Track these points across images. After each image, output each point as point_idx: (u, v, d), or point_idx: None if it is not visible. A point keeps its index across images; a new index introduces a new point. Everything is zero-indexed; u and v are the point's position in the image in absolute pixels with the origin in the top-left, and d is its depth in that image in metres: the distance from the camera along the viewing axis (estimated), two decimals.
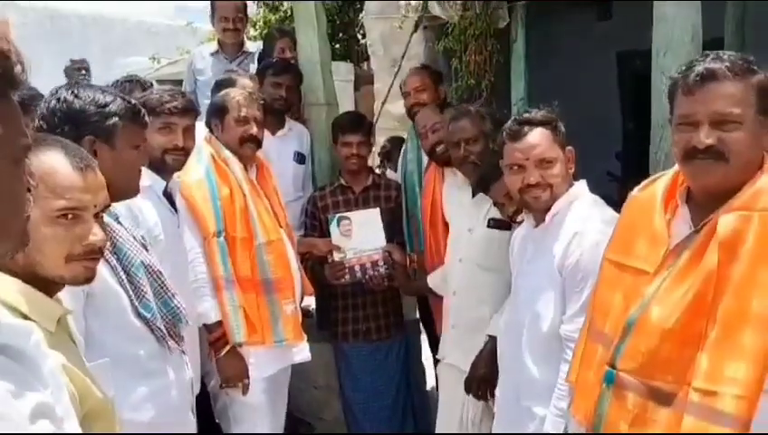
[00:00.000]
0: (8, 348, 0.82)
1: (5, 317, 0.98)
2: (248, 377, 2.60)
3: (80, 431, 0.92)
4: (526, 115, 2.11)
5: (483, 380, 2.48)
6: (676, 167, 1.59)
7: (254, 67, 3.78)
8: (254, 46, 4.24)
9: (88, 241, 1.30)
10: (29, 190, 0.94)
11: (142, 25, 5.25)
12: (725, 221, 1.37)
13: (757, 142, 1.43)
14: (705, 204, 1.46)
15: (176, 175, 2.46)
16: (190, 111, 2.43)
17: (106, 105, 1.78)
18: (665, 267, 1.45)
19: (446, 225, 2.99)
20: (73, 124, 1.75)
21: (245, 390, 2.61)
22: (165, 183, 2.39)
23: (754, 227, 1.34)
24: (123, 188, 1.76)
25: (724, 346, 1.32)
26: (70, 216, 1.29)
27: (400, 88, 3.55)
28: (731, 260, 1.34)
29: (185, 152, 2.41)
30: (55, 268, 1.26)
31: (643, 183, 1.65)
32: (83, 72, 5.77)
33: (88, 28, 5.57)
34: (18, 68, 0.77)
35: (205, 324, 2.57)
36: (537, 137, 2.05)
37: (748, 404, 1.28)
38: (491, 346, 2.41)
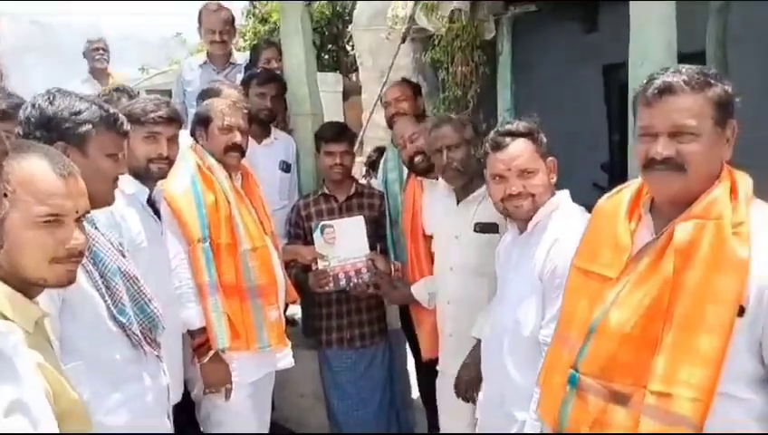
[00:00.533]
0: None
1: None
2: (231, 383, 2.62)
3: (56, 428, 0.95)
4: (508, 126, 2.17)
5: (471, 382, 2.50)
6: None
7: (240, 78, 3.82)
8: (242, 57, 4.28)
9: (69, 245, 1.34)
10: (5, 195, 0.97)
11: (133, 37, 5.24)
12: (681, 229, 1.41)
13: (715, 153, 1.47)
14: (666, 212, 1.50)
15: (159, 183, 2.48)
16: (174, 120, 2.45)
17: (79, 112, 1.79)
18: (626, 274, 1.49)
19: (425, 237, 3.03)
20: (45, 130, 1.77)
21: (228, 395, 2.62)
22: (149, 191, 2.41)
23: (709, 236, 1.38)
24: (95, 196, 1.75)
25: (679, 350, 1.36)
26: (52, 221, 1.32)
27: (380, 99, 3.61)
28: (686, 267, 1.38)
29: (169, 161, 2.43)
30: (38, 271, 1.30)
31: (610, 192, 1.69)
32: (101, 51, 5.31)
33: (79, 39, 5.55)
34: None
35: (189, 330, 2.58)
36: (519, 148, 2.11)
37: (702, 406, 1.31)
38: (479, 348, 2.43)
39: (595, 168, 5.85)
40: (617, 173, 5.82)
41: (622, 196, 1.63)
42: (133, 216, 2.28)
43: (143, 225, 2.30)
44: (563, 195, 2.18)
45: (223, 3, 4.15)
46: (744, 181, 1.47)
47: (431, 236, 2.99)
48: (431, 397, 2.98)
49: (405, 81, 3.73)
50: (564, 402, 1.52)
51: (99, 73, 5.27)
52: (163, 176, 2.44)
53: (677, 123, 1.44)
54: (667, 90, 1.45)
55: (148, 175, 2.38)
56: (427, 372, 3.05)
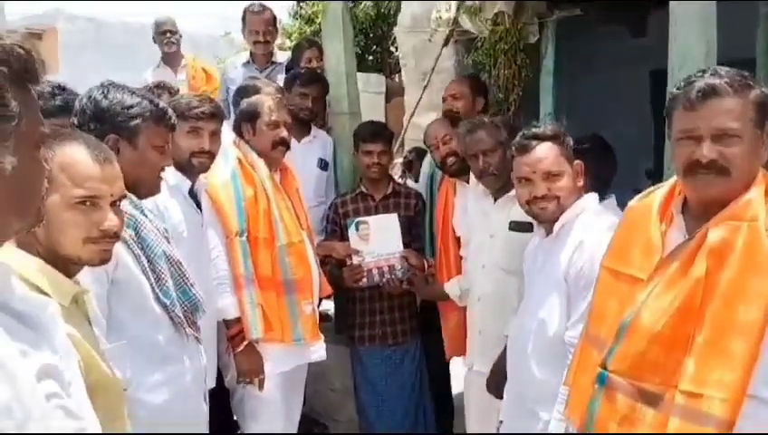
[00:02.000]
0: (24, 315, 0.92)
1: (25, 291, 1.08)
2: (264, 373, 2.69)
3: (85, 396, 1.01)
4: (534, 130, 2.19)
5: (504, 378, 2.52)
6: (673, 178, 1.63)
7: (281, 78, 3.90)
8: (283, 57, 4.39)
9: (103, 226, 1.43)
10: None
11: (184, 35, 5.36)
12: (716, 230, 1.41)
13: (755, 155, 1.47)
14: (700, 214, 1.50)
15: (202, 176, 2.57)
16: (217, 115, 2.55)
17: (131, 106, 1.90)
18: (657, 274, 1.49)
19: (455, 238, 3.07)
20: (98, 122, 1.88)
21: (261, 385, 2.69)
22: (191, 183, 2.50)
23: (743, 237, 1.38)
24: (142, 187, 1.86)
25: (710, 351, 1.36)
26: (88, 203, 1.42)
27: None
28: (720, 268, 1.38)
29: (211, 155, 2.53)
30: (74, 249, 1.39)
31: (641, 194, 1.69)
32: (168, 34, 4.79)
33: (132, 37, 5.70)
34: (39, 66, 0.88)
35: (224, 320, 2.67)
36: (544, 151, 2.13)
37: (732, 407, 1.31)
38: None
39: (640, 174, 5.76)
40: (661, 179, 5.69)
41: (654, 197, 1.63)
42: (175, 206, 2.38)
43: (184, 215, 2.40)
44: (590, 198, 2.19)
45: (267, 3, 4.26)
46: None
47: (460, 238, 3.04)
48: (442, 395, 3.12)
49: (468, 78, 3.77)
50: (592, 400, 1.53)
51: (170, 58, 4.83)
52: (204, 169, 2.53)
53: (722, 126, 1.44)
54: (711, 92, 1.45)
55: (190, 168, 2.48)
56: (439, 372, 3.23)
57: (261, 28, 4.16)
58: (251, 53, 4.31)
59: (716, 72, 1.49)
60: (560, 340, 2.02)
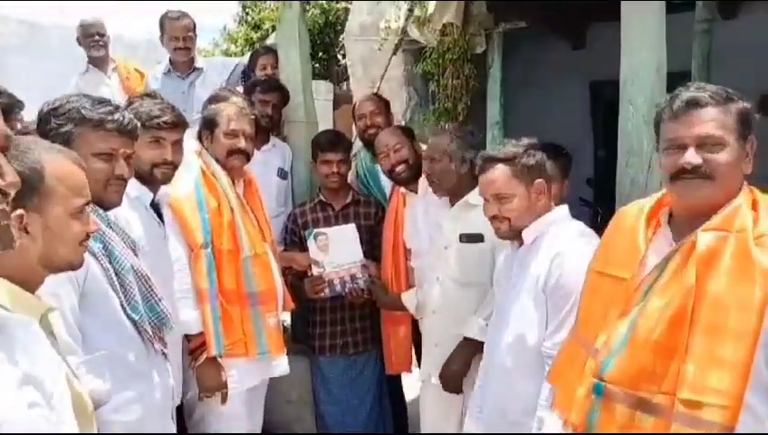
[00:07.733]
0: (7, 329, 0.89)
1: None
2: (226, 387, 2.63)
3: (70, 410, 0.99)
4: (490, 152, 2.26)
5: (457, 375, 2.61)
6: (661, 192, 1.70)
7: (200, 82, 3.81)
8: (202, 62, 4.29)
9: (90, 229, 1.43)
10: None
11: (122, 39, 5.14)
12: (703, 239, 1.46)
13: (738, 166, 1.53)
14: (686, 224, 1.56)
15: (163, 187, 2.50)
16: (179, 125, 2.45)
17: (59, 109, 1.82)
18: (646, 283, 1.53)
19: (405, 251, 3.12)
20: (39, 132, 1.80)
21: (224, 399, 2.64)
22: (152, 195, 2.41)
23: (731, 247, 1.42)
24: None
25: (706, 358, 1.39)
26: (83, 209, 1.40)
27: (353, 112, 3.67)
28: (709, 276, 1.43)
29: (173, 166, 2.43)
30: (70, 255, 1.38)
31: (632, 202, 1.76)
32: (96, 37, 4.45)
33: (68, 40, 5.43)
34: None
35: (185, 334, 2.60)
36: (495, 174, 2.19)
37: (732, 413, 1.35)
38: (467, 347, 2.56)
39: (581, 182, 5.95)
40: (602, 188, 5.94)
41: (643, 204, 1.69)
42: (136, 219, 2.29)
43: (146, 228, 2.30)
44: (561, 210, 2.24)
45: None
46: (764, 197, 1.53)
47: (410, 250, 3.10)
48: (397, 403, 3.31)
49: (376, 95, 3.85)
50: (591, 412, 1.56)
51: (99, 62, 4.52)
52: (167, 180, 2.44)
53: (705, 133, 1.50)
54: (693, 103, 1.52)
55: (152, 179, 2.38)
56: (393, 379, 3.35)
57: (181, 34, 4.07)
58: (171, 61, 4.18)
59: (701, 86, 1.57)
60: (540, 350, 2.04)
